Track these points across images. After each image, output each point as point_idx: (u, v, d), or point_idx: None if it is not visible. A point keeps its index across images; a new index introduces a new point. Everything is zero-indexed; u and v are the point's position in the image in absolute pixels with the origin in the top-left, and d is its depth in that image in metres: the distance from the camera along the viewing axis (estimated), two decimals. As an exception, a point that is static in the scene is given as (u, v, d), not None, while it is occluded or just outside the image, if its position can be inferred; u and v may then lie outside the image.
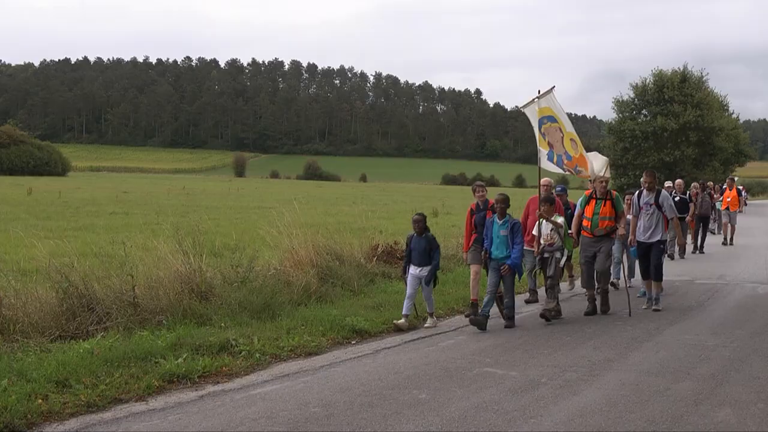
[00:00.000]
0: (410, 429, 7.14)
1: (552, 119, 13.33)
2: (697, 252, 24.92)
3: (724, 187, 30.91)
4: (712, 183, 34.06)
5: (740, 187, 34.09)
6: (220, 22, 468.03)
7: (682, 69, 67.25)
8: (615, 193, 14.25)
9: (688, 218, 23.49)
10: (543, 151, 13.44)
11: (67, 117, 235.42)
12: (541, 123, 13.32)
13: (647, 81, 67.99)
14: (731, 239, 28.51)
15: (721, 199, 29.91)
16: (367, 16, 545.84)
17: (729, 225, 28.72)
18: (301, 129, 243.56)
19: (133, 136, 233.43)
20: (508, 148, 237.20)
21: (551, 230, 12.96)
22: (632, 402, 7.99)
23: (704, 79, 68.22)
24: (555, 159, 13.44)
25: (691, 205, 23.88)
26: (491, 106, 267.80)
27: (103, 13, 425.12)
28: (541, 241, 13.01)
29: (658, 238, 14.05)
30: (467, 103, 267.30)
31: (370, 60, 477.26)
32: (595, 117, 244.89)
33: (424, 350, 10.57)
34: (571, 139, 13.40)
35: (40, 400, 7.60)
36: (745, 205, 55.68)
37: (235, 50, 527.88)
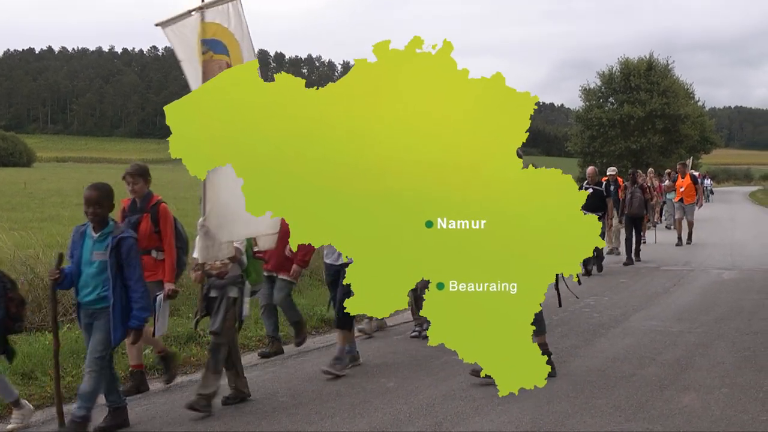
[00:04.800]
0: (378, 417, 7.16)
1: (218, 47, 7.50)
2: (632, 262, 19.14)
3: (676, 175, 25.35)
4: (653, 170, 29.97)
5: (696, 173, 28.63)
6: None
7: (648, 57, 67.68)
8: None
9: (612, 219, 18.46)
10: None
11: (31, 107, 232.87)
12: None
13: (614, 69, 68.35)
14: (689, 237, 23.81)
15: (671, 191, 25.29)
16: (334, 5, 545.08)
17: (684, 221, 23.81)
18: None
19: (99, 126, 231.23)
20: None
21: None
22: (598, 388, 8.06)
23: (670, 67, 68.69)
24: None
25: (609, 201, 18.11)
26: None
27: (67, 1, 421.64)
28: (206, 267, 7.49)
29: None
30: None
31: (337, 49, 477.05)
32: (563, 105, 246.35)
33: (392, 339, 10.60)
34: None
35: (5, 393, 7.53)
36: (711, 194, 55.71)
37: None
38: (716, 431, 6.75)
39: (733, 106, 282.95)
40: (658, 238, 24.04)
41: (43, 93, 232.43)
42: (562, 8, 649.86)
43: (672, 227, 25.93)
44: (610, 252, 20.14)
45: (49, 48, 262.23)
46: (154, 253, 8.10)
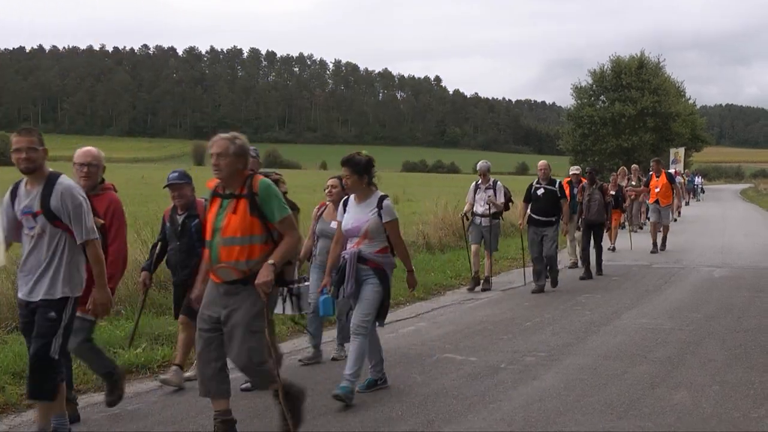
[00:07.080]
0: (370, 415, 7.16)
1: None
2: (590, 276, 16.04)
3: (650, 173, 22.11)
4: (624, 169, 26.03)
5: (672, 171, 25.66)
6: (178, 10, 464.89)
7: (639, 55, 67.88)
8: (264, 179, 6.53)
9: (563, 226, 14.95)
10: None
11: (22, 106, 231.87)
12: None
13: (605, 67, 68.65)
14: (663, 243, 20.88)
15: (646, 192, 22.08)
16: (326, 5, 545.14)
17: (658, 225, 20.93)
18: (260, 117, 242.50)
19: (90, 125, 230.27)
20: (468, 135, 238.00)
21: None
22: (590, 386, 8.07)
23: (661, 65, 69.09)
24: None
25: (563, 203, 14.61)
26: (451, 93, 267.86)
27: (58, 1, 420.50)
28: None
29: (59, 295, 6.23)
30: (427, 90, 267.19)
31: (329, 48, 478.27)
32: (554, 103, 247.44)
33: (384, 337, 10.52)
34: None
35: (-4, 392, 7.52)
36: (702, 192, 55.60)
37: (193, 38, 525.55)
38: (707, 429, 6.76)
39: (723, 104, 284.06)
40: (636, 243, 21.39)
41: (33, 92, 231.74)
42: (553, 9, 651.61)
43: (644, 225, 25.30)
44: (572, 266, 17.69)
45: (40, 47, 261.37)
46: None
